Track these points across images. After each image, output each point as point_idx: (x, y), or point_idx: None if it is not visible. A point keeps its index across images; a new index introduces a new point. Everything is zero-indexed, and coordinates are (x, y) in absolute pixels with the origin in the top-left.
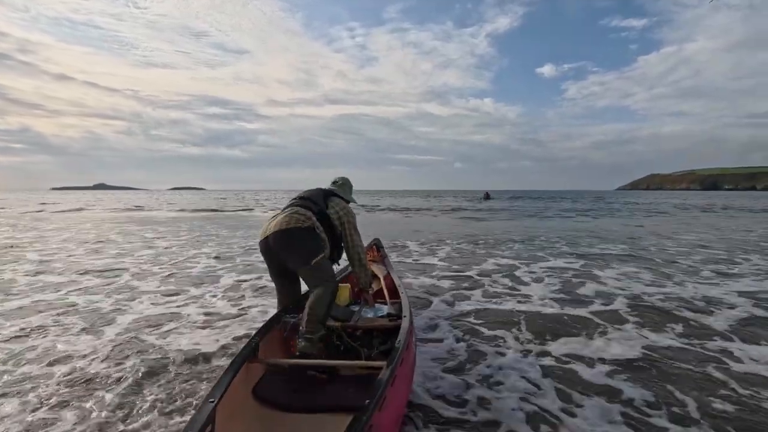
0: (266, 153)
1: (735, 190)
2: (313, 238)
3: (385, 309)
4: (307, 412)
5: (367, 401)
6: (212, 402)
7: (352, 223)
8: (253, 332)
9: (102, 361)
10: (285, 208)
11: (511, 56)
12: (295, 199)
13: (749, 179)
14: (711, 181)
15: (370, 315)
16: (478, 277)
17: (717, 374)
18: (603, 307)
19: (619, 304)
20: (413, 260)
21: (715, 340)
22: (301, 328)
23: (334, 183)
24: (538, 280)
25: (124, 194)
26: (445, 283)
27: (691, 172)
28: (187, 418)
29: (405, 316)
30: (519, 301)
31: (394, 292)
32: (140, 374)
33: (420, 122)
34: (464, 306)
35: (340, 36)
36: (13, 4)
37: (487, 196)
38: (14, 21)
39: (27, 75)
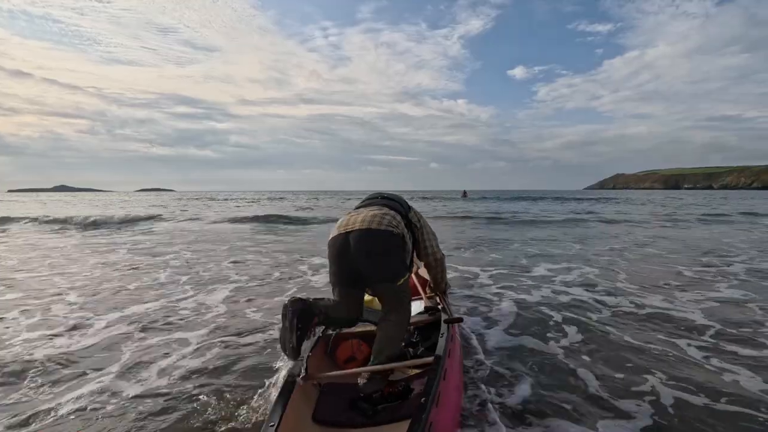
0: (238, 153)
1: (694, 189)
2: (404, 250)
3: (421, 304)
4: (365, 425)
5: (423, 399)
6: (273, 426)
7: (428, 227)
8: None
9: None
10: (367, 204)
11: (483, 58)
12: (376, 197)
13: (707, 179)
14: (673, 181)
15: None
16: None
17: None
18: None
19: None
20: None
21: None
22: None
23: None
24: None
25: (87, 195)
26: (483, 276)
27: (654, 172)
28: None
29: (446, 308)
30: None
31: (426, 287)
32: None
33: (394, 123)
34: (500, 295)
35: (313, 35)
36: None
37: (464, 194)
38: None
39: None
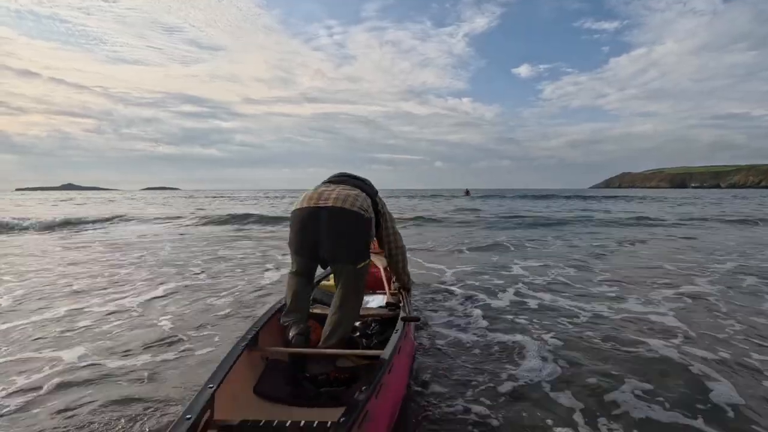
0: (243, 152)
1: (701, 188)
2: (369, 235)
3: (384, 299)
4: (306, 405)
5: (363, 387)
6: (211, 388)
7: (389, 214)
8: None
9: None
10: (335, 181)
11: (488, 56)
12: (343, 175)
13: (714, 177)
14: (679, 180)
15: (369, 305)
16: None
17: None
18: None
19: None
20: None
21: None
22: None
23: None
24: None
25: (94, 194)
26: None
27: (661, 171)
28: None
29: (404, 306)
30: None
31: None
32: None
33: (399, 121)
34: (470, 300)
35: (317, 34)
36: None
37: (467, 193)
38: None
39: None
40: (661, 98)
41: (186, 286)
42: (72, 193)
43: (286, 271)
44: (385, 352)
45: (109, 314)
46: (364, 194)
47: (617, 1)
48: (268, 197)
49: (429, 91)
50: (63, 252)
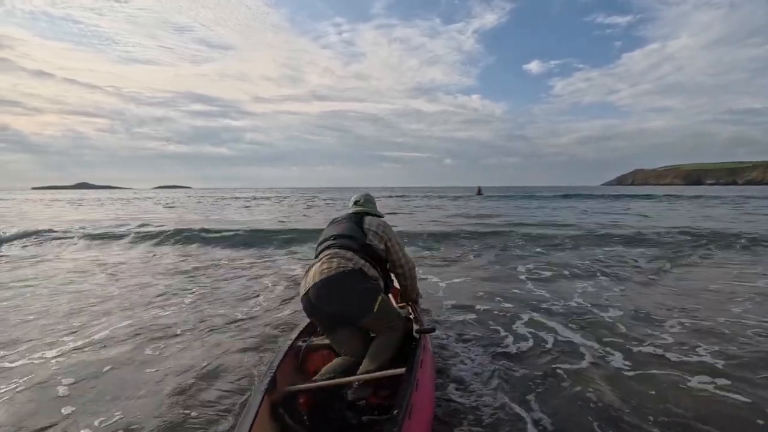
0: (253, 150)
1: (717, 184)
2: (364, 280)
3: None
4: None
5: (395, 411)
6: None
7: (395, 238)
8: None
9: None
10: (320, 254)
11: (497, 53)
12: (328, 239)
13: (731, 174)
14: (695, 176)
15: None
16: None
17: None
18: None
19: None
20: None
21: None
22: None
23: (356, 203)
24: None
25: (109, 193)
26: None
27: (676, 167)
28: None
29: (417, 318)
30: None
31: (403, 297)
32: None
33: (408, 119)
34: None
35: (326, 32)
36: None
37: (479, 192)
38: None
39: (3, 71)
40: (675, 93)
41: None
42: (86, 192)
43: None
44: (408, 369)
45: None
46: (342, 251)
47: None
48: (266, 198)
49: (438, 89)
50: None
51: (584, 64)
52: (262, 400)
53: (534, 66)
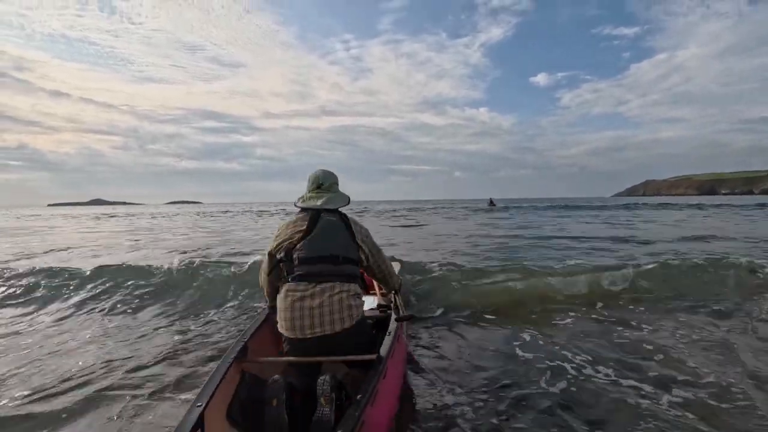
0: (264, 166)
1: (732, 194)
2: (366, 332)
3: (375, 300)
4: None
5: (359, 396)
6: (200, 406)
7: (377, 249)
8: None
9: None
10: (305, 277)
11: (504, 66)
12: (311, 260)
13: (747, 183)
14: (708, 186)
15: None
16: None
17: None
18: None
19: None
20: None
21: None
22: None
23: (319, 188)
24: None
25: (124, 209)
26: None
27: (688, 178)
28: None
29: (396, 307)
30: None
31: None
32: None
33: (416, 132)
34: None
35: (334, 48)
36: (9, 22)
37: (491, 203)
38: (9, 39)
39: (23, 92)
40: (686, 104)
41: None
42: (101, 208)
43: None
44: (378, 357)
45: None
46: (340, 284)
47: (637, 6)
48: (267, 212)
49: (445, 102)
50: None
51: (592, 76)
52: (229, 367)
53: (541, 78)
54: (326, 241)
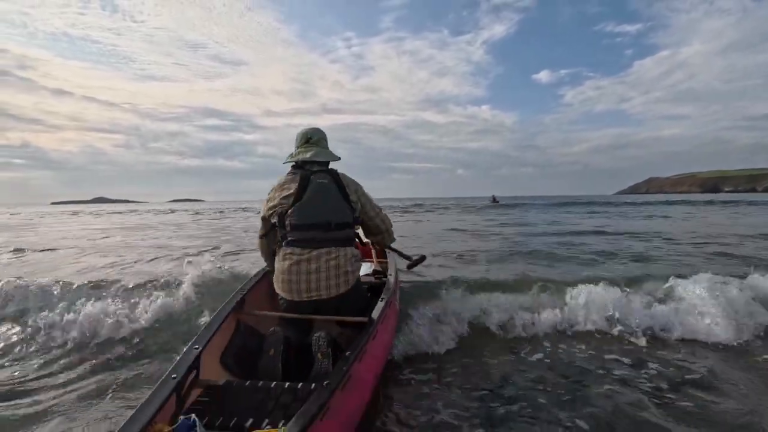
0: (265, 164)
1: (735, 192)
2: (361, 296)
3: (371, 266)
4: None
5: (348, 352)
6: (197, 348)
7: (371, 204)
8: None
9: None
10: (299, 243)
11: (507, 63)
12: (306, 226)
13: (750, 181)
14: (712, 184)
15: None
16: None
17: None
18: None
19: None
20: None
21: None
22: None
23: (308, 142)
24: None
25: (125, 207)
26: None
27: (692, 175)
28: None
29: (390, 275)
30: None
31: (381, 253)
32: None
33: (418, 130)
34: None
35: (335, 46)
36: (11, 20)
37: (494, 200)
38: (12, 37)
39: (26, 91)
40: (689, 101)
41: None
42: (103, 206)
43: None
44: (370, 319)
45: None
46: (335, 248)
47: (640, 3)
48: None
49: (447, 100)
50: None
51: (594, 73)
52: (227, 316)
53: (543, 76)
54: (317, 206)
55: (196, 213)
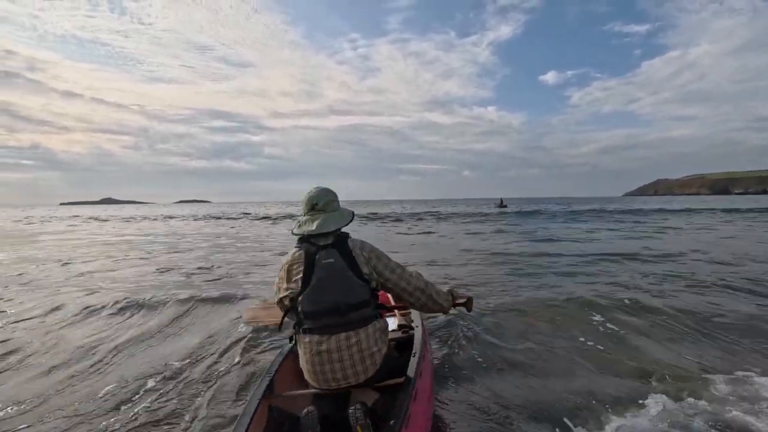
0: (272, 165)
1: (746, 194)
2: (393, 362)
3: (395, 321)
4: None
5: (392, 421)
6: None
7: (387, 263)
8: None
9: None
10: (314, 331)
11: (513, 64)
12: (311, 307)
13: (761, 182)
14: (721, 185)
15: None
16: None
17: None
18: None
19: None
20: None
21: None
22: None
23: (313, 208)
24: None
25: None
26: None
27: (701, 177)
28: None
29: (417, 326)
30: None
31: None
32: None
33: (424, 131)
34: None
35: (342, 48)
36: (21, 23)
37: (501, 204)
38: (22, 40)
39: (35, 92)
40: (699, 101)
41: None
42: (111, 207)
43: None
44: (407, 379)
45: None
46: (365, 332)
47: (648, 3)
48: (267, 216)
49: (453, 101)
50: None
51: (602, 74)
52: (258, 405)
53: (550, 76)
54: (327, 291)
55: (195, 218)
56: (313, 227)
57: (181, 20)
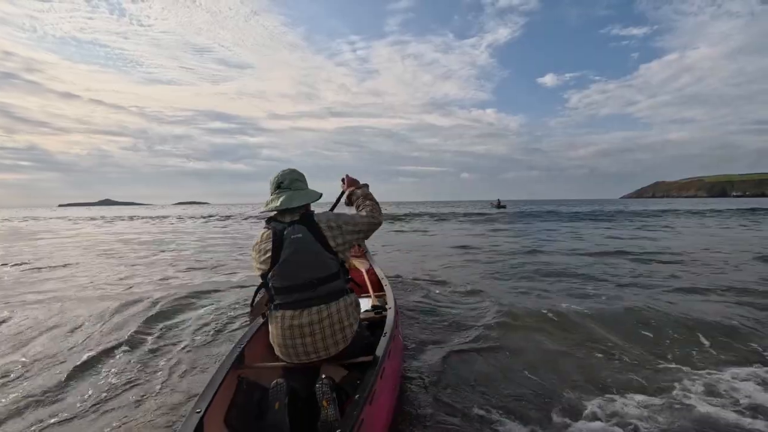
0: (270, 166)
1: (743, 197)
2: (363, 339)
3: (369, 302)
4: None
5: (357, 396)
6: (199, 413)
7: (350, 222)
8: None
9: None
10: (286, 306)
11: (512, 66)
12: (281, 282)
13: (758, 186)
14: (719, 188)
15: None
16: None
17: None
18: None
19: None
20: None
21: None
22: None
23: (279, 187)
24: None
25: (129, 209)
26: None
27: (699, 179)
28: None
29: (390, 308)
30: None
31: (377, 285)
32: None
33: (422, 133)
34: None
35: (341, 49)
36: (21, 24)
37: (499, 204)
38: (20, 41)
39: (33, 93)
40: (697, 104)
41: None
42: (110, 209)
43: None
44: (375, 358)
45: None
46: (323, 305)
47: (646, 6)
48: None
49: (452, 103)
50: None
51: (600, 76)
52: (227, 374)
53: (549, 79)
54: (296, 266)
55: (192, 218)
56: (278, 203)
57: (180, 22)
